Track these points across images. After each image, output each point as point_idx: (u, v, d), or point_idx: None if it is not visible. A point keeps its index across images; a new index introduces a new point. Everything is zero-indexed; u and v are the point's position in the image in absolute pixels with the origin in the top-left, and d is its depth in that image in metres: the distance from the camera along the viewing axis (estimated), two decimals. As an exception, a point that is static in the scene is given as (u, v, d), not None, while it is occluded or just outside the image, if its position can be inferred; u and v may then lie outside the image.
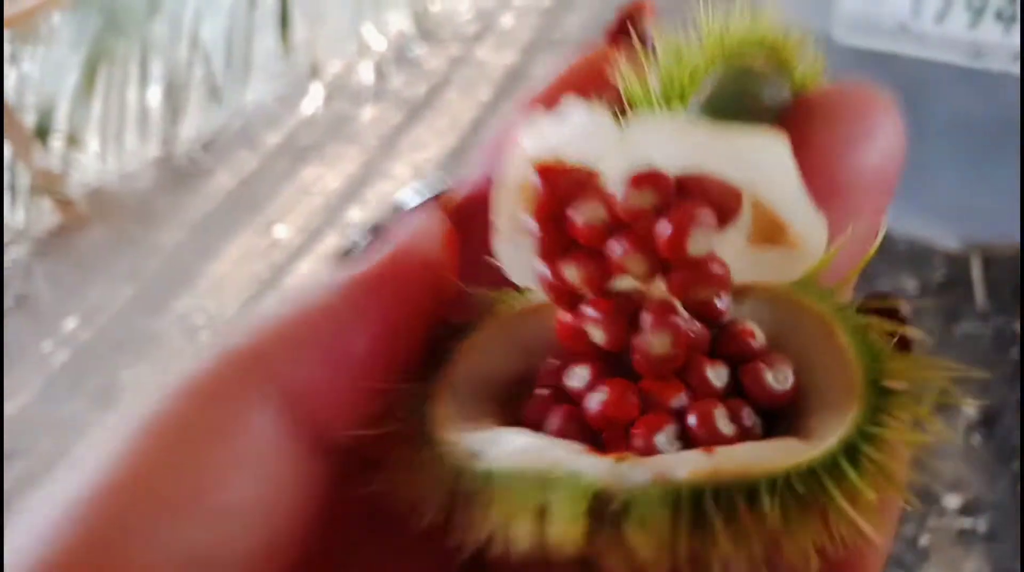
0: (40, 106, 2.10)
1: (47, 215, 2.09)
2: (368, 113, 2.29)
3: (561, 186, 0.15)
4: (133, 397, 0.15)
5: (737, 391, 0.15)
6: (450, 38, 2.53)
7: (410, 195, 0.19)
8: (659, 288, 0.15)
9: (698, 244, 0.14)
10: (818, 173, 0.17)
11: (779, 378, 0.15)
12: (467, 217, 0.18)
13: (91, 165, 2.21)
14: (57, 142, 2.11)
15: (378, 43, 2.48)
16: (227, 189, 2.15)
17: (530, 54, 2.40)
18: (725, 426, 0.14)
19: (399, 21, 2.55)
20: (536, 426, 0.15)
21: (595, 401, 0.15)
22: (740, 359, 0.15)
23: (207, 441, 0.15)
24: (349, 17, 2.40)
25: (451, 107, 2.27)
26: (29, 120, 2.07)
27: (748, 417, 0.15)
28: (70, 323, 1.91)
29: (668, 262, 0.14)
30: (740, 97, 0.19)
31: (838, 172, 0.17)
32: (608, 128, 0.15)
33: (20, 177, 2.06)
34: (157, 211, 2.14)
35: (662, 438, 0.14)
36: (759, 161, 0.14)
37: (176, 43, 2.19)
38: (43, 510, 0.14)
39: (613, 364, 0.15)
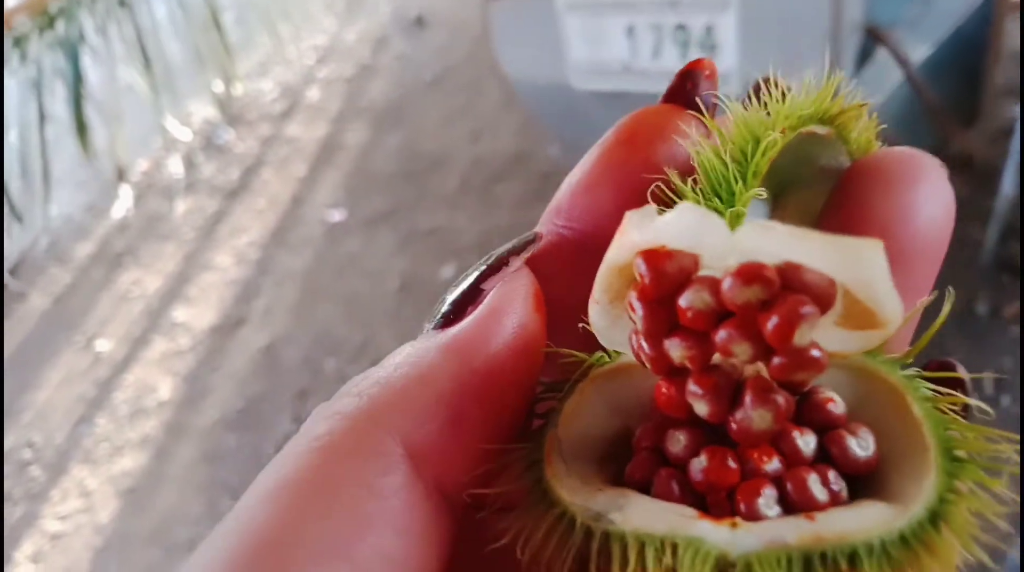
0: None
1: None
2: (182, 206, 2.25)
3: (666, 273, 0.16)
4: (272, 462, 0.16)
5: (823, 455, 0.16)
6: (258, 119, 2.52)
7: (495, 254, 0.19)
8: (756, 366, 0.16)
9: (803, 336, 0.15)
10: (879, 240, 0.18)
11: (862, 445, 0.16)
12: (541, 271, 0.19)
13: None
14: None
15: (183, 134, 2.45)
16: (41, 310, 2.06)
17: (340, 124, 2.42)
18: (819, 492, 0.16)
19: (202, 109, 2.53)
20: (640, 486, 0.17)
21: (698, 467, 0.16)
22: (823, 425, 0.17)
23: (347, 498, 0.15)
24: (149, 113, 2.35)
25: (267, 187, 2.26)
26: None
27: (835, 481, 0.16)
28: None
29: (772, 349, 0.15)
30: (801, 163, 0.20)
31: (896, 240, 0.18)
32: (719, 228, 0.16)
33: None
34: (-32, 347, 2.01)
35: (763, 502, 0.16)
36: (858, 261, 0.15)
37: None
38: (206, 558, 0.15)
39: (707, 429, 0.17)
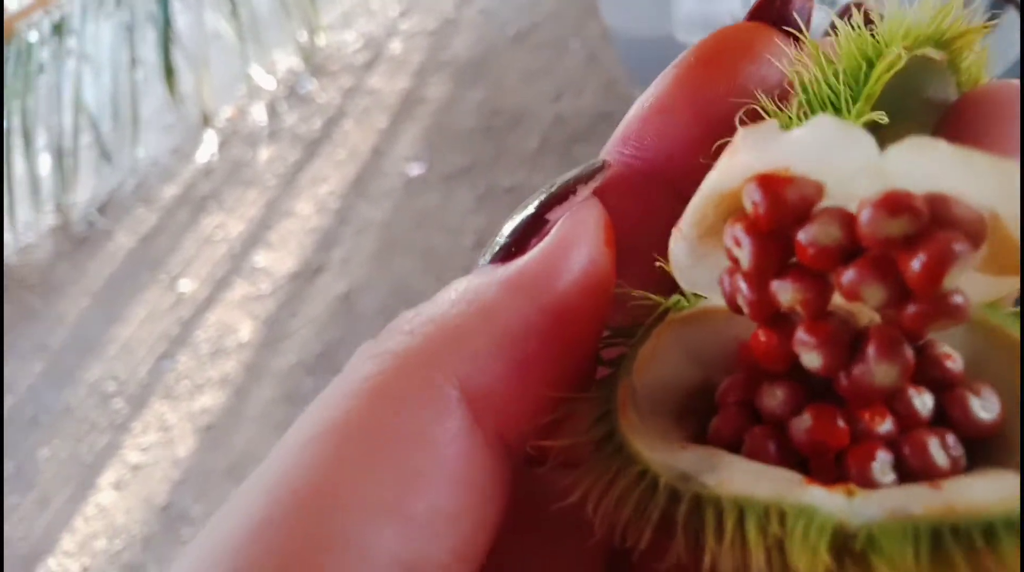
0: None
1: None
2: (265, 154, 2.27)
3: (786, 202, 0.14)
4: (312, 405, 0.14)
5: (939, 417, 0.15)
6: (340, 70, 2.53)
7: (560, 182, 0.17)
8: (875, 315, 0.14)
9: (954, 279, 0.13)
10: None
11: (986, 407, 0.15)
12: (607, 204, 0.17)
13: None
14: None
15: (268, 83, 2.47)
16: (127, 249, 2.11)
17: (421, 77, 2.41)
18: (941, 458, 0.14)
19: (286, 59, 2.54)
20: (728, 444, 0.15)
21: (801, 426, 0.14)
22: (940, 384, 0.15)
23: (398, 446, 0.14)
24: (235, 61, 2.38)
25: (348, 138, 2.27)
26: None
27: (955, 447, 0.14)
28: (-22, 407, 1.85)
29: (910, 294, 0.13)
30: (907, 92, 0.18)
31: None
32: (865, 146, 0.13)
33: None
34: (58, 280, 2.08)
35: (877, 467, 0.14)
36: (1016, 189, 0.13)
37: (59, 110, 2.15)
38: (230, 523, 0.13)
39: (808, 384, 0.15)
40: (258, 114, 2.39)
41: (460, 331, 0.15)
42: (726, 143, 0.15)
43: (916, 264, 0.13)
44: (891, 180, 0.13)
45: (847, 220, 0.13)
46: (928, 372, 0.15)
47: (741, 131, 0.14)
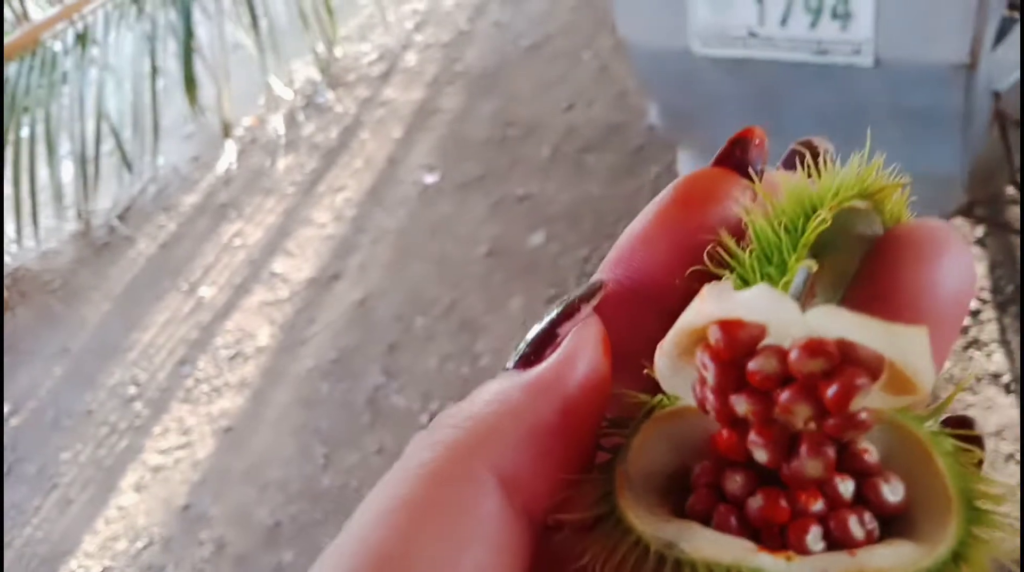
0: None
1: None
2: (283, 163, 2.31)
3: (738, 340, 0.19)
4: (379, 484, 0.19)
5: (858, 498, 0.19)
6: (357, 81, 2.57)
7: (567, 300, 0.22)
8: (811, 423, 0.19)
9: (858, 403, 0.18)
10: (908, 307, 0.21)
11: (894, 491, 0.19)
12: (602, 317, 0.21)
13: (8, 248, 2.20)
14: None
15: (286, 93, 2.51)
16: (148, 255, 2.15)
17: (436, 88, 2.45)
18: (858, 531, 0.18)
19: (304, 70, 2.58)
20: (700, 518, 0.19)
21: (754, 505, 0.19)
22: (859, 472, 0.19)
23: (450, 519, 0.18)
24: (254, 71, 2.42)
25: (364, 147, 2.31)
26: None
27: (870, 522, 0.19)
28: (1, 410, 1.89)
29: (828, 412, 0.18)
30: (839, 230, 0.23)
31: (924, 308, 0.21)
32: (791, 309, 0.18)
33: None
34: (80, 286, 2.13)
35: (810, 538, 0.18)
36: (905, 344, 0.18)
37: (82, 119, 2.19)
38: None
39: (759, 471, 0.19)
40: (276, 124, 2.44)
41: (493, 427, 0.19)
42: (697, 270, 0.21)
43: (831, 392, 0.18)
44: (812, 330, 0.18)
45: (782, 355, 0.18)
46: (851, 463, 0.19)
47: (706, 287, 0.19)
